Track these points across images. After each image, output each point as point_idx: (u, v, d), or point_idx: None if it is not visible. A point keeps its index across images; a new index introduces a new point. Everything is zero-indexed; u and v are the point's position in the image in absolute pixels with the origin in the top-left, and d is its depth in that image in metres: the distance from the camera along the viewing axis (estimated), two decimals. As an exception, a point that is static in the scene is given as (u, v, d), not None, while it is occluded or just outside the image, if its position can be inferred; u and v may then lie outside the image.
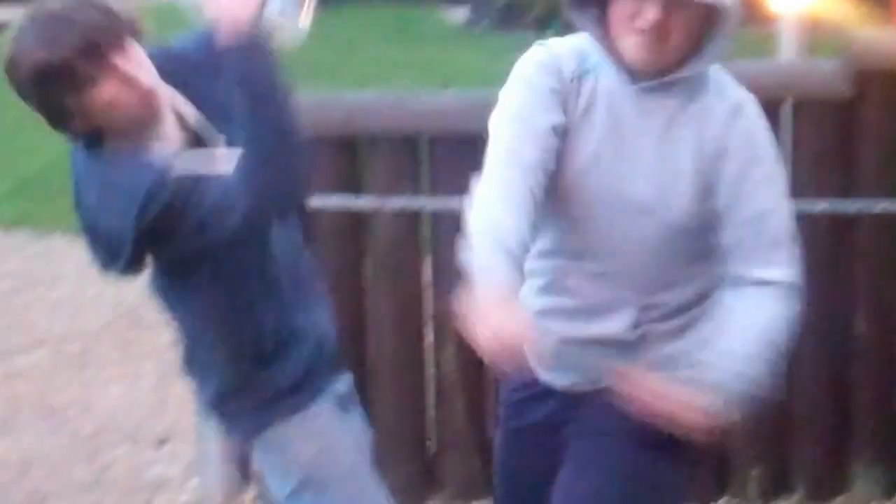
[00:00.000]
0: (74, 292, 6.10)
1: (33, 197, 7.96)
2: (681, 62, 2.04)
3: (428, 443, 3.67)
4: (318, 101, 3.67)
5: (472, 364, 3.51)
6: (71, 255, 6.78)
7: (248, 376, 2.40)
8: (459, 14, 12.53)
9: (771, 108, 3.37)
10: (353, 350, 3.55)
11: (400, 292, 3.58)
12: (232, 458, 3.68)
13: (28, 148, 8.77)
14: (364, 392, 3.53)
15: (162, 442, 4.24)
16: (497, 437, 2.44)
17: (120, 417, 4.49)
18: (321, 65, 12.47)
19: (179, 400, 4.00)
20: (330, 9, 21.59)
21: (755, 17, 5.53)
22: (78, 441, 4.32)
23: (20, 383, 4.94)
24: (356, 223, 3.55)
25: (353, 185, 3.55)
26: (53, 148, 8.46)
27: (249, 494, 3.68)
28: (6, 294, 6.25)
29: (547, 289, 2.18)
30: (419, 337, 3.61)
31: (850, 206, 3.39)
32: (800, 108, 3.43)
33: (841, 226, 3.43)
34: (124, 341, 5.32)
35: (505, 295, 1.90)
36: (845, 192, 3.42)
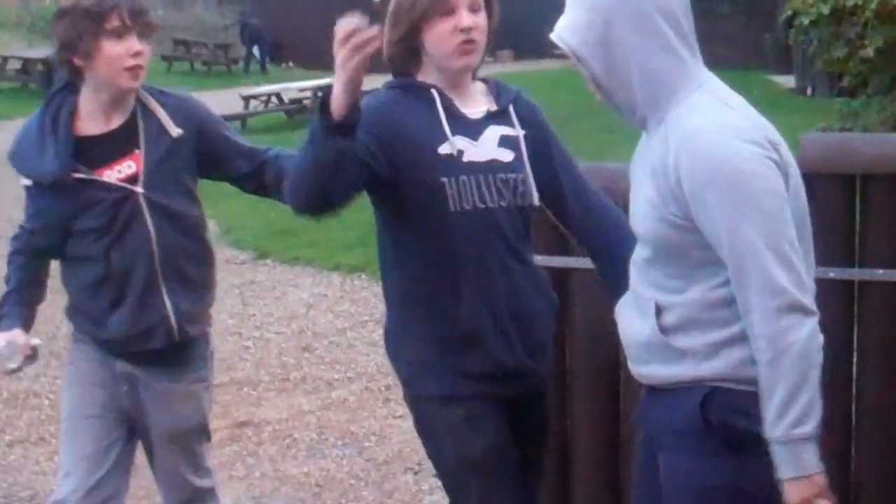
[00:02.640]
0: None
1: (375, 245, 8.66)
2: None
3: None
4: (583, 169, 3.99)
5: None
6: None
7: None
8: (790, 80, 12.61)
9: None
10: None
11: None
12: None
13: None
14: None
15: (439, 475, 4.62)
16: None
17: (408, 449, 4.92)
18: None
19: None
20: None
21: None
22: (371, 467, 4.79)
23: (332, 413, 5.54)
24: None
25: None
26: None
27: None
28: (339, 332, 6.92)
29: None
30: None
31: None
32: None
33: None
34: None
35: None
36: None
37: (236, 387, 5.92)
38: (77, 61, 3.01)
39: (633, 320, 2.39)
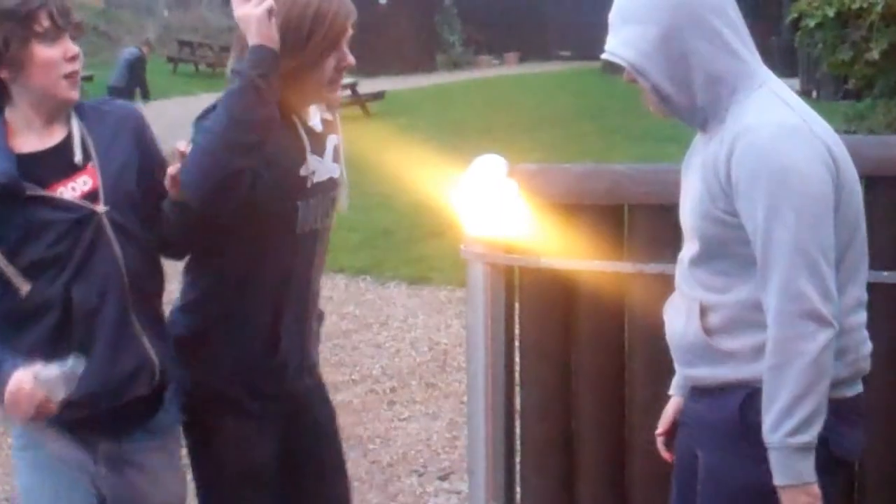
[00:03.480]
0: (397, 335, 6.66)
1: (380, 247, 8.68)
2: None
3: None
4: (585, 170, 3.99)
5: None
6: (401, 302, 7.42)
7: None
8: (795, 83, 12.60)
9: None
10: (611, 400, 3.82)
11: (656, 348, 3.78)
12: (500, 495, 4.03)
13: (381, 203, 9.51)
14: (620, 440, 3.81)
15: (444, 476, 4.62)
16: None
17: (413, 452, 4.93)
18: (660, 131, 12.78)
19: (466, 439, 4.35)
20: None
21: None
22: (375, 470, 4.79)
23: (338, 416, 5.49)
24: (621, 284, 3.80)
25: (615, 250, 3.81)
26: (405, 200, 9.20)
27: (512, 531, 4.01)
28: (344, 334, 6.92)
29: None
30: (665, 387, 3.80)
31: None
32: None
33: None
34: (430, 383, 5.79)
35: None
36: None
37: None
38: (3, 73, 2.56)
39: (678, 321, 2.41)
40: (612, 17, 2.36)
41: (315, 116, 2.76)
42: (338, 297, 7.78)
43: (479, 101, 18.44)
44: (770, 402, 2.19)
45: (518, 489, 4.05)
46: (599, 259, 3.76)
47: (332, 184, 2.74)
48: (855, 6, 9.76)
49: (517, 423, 4.02)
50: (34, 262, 2.52)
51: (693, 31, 2.26)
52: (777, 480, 2.20)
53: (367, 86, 18.70)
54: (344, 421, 5.40)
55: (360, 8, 2.71)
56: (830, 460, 2.31)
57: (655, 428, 3.76)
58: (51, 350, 2.49)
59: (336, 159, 2.77)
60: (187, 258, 2.77)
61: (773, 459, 2.19)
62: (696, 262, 2.34)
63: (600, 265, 3.76)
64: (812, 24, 10.23)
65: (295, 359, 2.80)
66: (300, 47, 2.57)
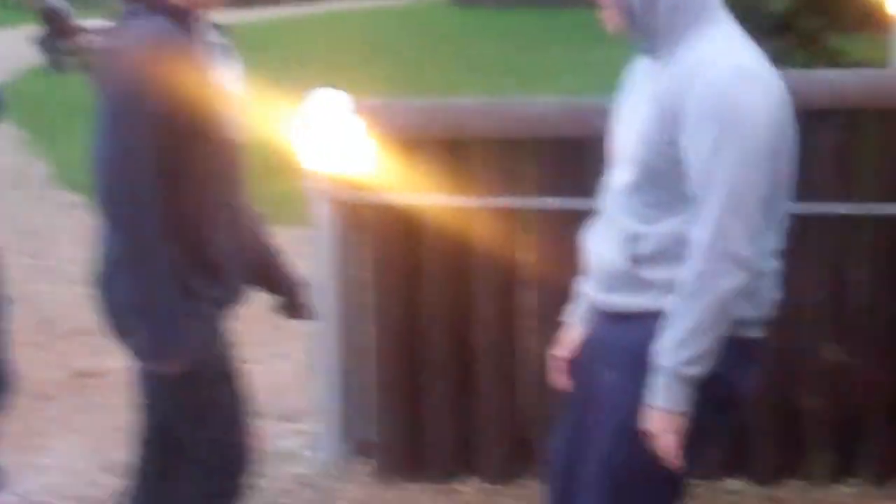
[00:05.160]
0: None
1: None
2: None
3: (523, 423, 3.87)
4: (428, 105, 3.95)
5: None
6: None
7: None
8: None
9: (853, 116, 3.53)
10: (457, 336, 3.82)
11: (501, 282, 3.80)
12: (348, 436, 4.00)
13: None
14: (467, 375, 3.82)
15: (291, 418, 4.56)
16: None
17: (260, 394, 4.82)
18: (499, 64, 12.84)
19: (315, 380, 4.28)
20: (514, 11, 21.86)
21: (871, 23, 5.43)
22: (221, 413, 4.69)
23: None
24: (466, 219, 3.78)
25: (460, 185, 3.78)
26: (246, 138, 8.99)
27: (361, 468, 3.98)
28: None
29: None
30: (516, 324, 3.82)
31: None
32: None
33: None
34: (277, 325, 5.66)
35: None
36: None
37: (76, 336, 5.70)
38: None
39: (602, 248, 2.41)
40: None
41: (209, 33, 2.68)
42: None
43: (324, 36, 18.19)
44: (672, 327, 2.24)
45: (367, 428, 4.03)
46: (445, 194, 3.73)
47: (239, 98, 2.69)
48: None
49: (365, 362, 3.99)
50: None
51: None
52: (654, 401, 2.25)
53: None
54: (188, 365, 5.29)
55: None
56: (728, 399, 2.37)
57: (503, 363, 3.80)
58: None
59: (237, 77, 2.70)
60: None
61: (659, 381, 2.24)
62: (631, 190, 2.35)
63: (446, 200, 3.73)
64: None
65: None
66: None
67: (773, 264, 2.37)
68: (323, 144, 3.81)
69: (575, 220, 3.67)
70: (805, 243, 3.38)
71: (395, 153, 3.75)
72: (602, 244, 2.42)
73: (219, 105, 2.60)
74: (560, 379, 2.62)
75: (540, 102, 3.79)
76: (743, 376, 2.37)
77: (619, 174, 2.40)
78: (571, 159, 3.67)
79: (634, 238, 2.33)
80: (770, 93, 2.26)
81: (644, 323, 2.30)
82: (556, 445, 2.59)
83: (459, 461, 3.87)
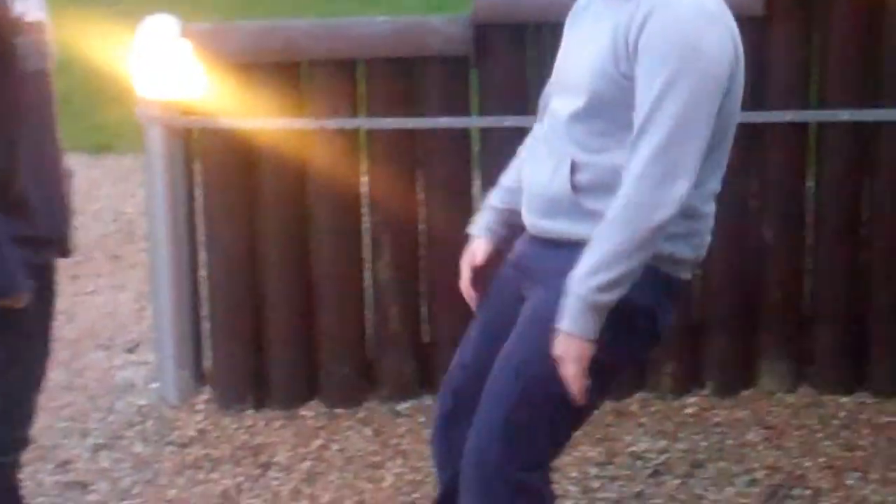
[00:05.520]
0: (79, 208, 6.35)
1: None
2: None
3: (366, 346, 3.92)
4: (260, 28, 3.90)
5: (405, 272, 3.80)
6: (83, 173, 7.07)
7: None
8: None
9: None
10: (297, 261, 3.82)
11: (339, 205, 3.81)
12: (188, 363, 3.98)
13: (56, 70, 8.99)
14: (307, 300, 3.83)
15: (131, 349, 4.51)
16: None
17: (99, 326, 4.76)
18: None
19: (154, 310, 4.24)
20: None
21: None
22: (59, 346, 4.60)
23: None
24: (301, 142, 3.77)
25: (294, 107, 3.76)
26: (82, 66, 8.71)
27: (202, 398, 3.98)
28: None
29: None
30: (357, 247, 3.85)
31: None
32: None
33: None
34: (115, 255, 5.59)
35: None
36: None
37: None
38: None
39: (542, 173, 2.38)
40: None
41: None
42: (11, 170, 7.35)
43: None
44: (590, 253, 2.22)
45: (207, 356, 4.02)
46: (279, 117, 3.71)
47: (42, 26, 2.55)
48: None
49: (203, 290, 3.97)
50: None
51: None
52: (564, 325, 2.23)
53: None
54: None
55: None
56: (653, 334, 2.39)
57: (344, 286, 3.82)
58: None
59: (40, 6, 2.59)
60: None
61: (570, 305, 2.22)
62: (577, 118, 2.33)
63: (280, 123, 3.71)
64: None
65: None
66: None
67: (712, 209, 2.39)
68: (154, 71, 3.74)
69: (409, 140, 3.76)
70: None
71: (228, 78, 3.70)
72: (541, 170, 2.39)
73: (19, 36, 2.52)
74: (467, 289, 2.60)
75: (371, 22, 3.77)
76: (665, 314, 2.39)
77: (564, 102, 2.37)
78: (403, 78, 3.68)
79: (576, 167, 2.32)
80: (728, 35, 2.28)
81: (579, 251, 2.27)
82: (459, 359, 2.56)
83: (302, 387, 3.89)
